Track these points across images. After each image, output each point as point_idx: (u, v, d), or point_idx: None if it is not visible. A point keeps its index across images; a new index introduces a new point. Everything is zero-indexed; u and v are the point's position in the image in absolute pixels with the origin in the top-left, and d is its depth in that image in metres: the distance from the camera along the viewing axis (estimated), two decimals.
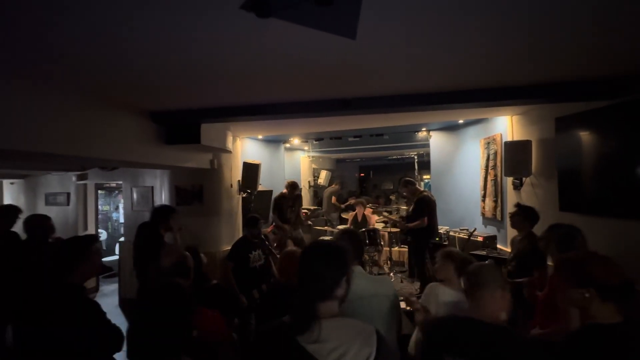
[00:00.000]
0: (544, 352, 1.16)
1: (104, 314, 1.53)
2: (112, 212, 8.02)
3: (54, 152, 2.40)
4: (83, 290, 1.54)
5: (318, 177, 8.63)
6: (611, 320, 1.22)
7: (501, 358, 1.12)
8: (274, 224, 5.07)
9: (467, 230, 4.56)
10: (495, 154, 4.50)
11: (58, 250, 1.62)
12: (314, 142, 6.76)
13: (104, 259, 6.86)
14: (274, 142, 6.57)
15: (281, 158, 6.89)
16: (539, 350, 1.16)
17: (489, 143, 4.69)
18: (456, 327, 1.24)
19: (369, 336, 1.01)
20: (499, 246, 4.34)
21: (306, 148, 7.59)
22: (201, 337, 1.36)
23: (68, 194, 5.74)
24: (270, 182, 6.24)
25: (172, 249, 1.58)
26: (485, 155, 4.76)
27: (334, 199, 7.86)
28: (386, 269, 5.32)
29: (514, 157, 3.80)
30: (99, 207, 6.82)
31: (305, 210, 6.49)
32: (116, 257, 6.28)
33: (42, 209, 5.72)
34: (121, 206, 6.81)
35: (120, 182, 5.55)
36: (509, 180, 4.19)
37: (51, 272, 1.54)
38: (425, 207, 4.38)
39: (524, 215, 2.79)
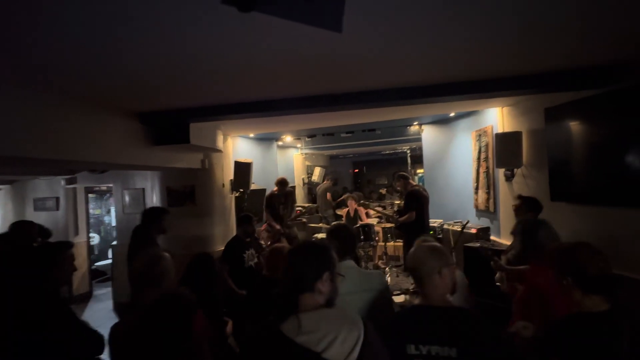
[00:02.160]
0: (494, 328, 1.21)
1: (77, 319, 1.51)
2: (104, 216, 7.93)
3: (39, 156, 2.34)
4: (56, 297, 1.52)
5: (312, 174, 8.61)
6: (597, 309, 1.23)
7: (453, 337, 1.17)
8: (267, 222, 5.10)
9: (461, 222, 4.59)
10: (487, 146, 4.52)
11: (31, 258, 1.60)
12: (307, 139, 6.73)
13: (97, 263, 6.79)
14: (266, 140, 6.52)
15: (274, 156, 6.85)
16: (488, 326, 1.19)
17: (480, 135, 4.71)
18: (410, 317, 1.29)
19: (355, 321, 1.05)
20: (492, 237, 4.38)
21: (299, 145, 7.55)
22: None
23: (57, 199, 5.64)
24: (264, 180, 6.20)
25: (148, 251, 1.55)
26: (477, 147, 4.78)
27: (328, 195, 7.85)
28: (381, 265, 5.33)
29: (505, 149, 3.82)
30: (91, 210, 6.72)
31: (300, 208, 6.48)
32: (109, 261, 6.21)
33: (31, 215, 5.61)
34: (113, 209, 6.72)
35: (111, 185, 5.47)
36: (500, 172, 4.21)
37: (25, 279, 1.51)
38: (413, 201, 4.38)
39: (527, 206, 2.82)
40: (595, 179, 2.82)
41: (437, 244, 1.43)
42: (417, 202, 4.38)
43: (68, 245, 1.69)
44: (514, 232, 2.11)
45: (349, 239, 1.73)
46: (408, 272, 1.40)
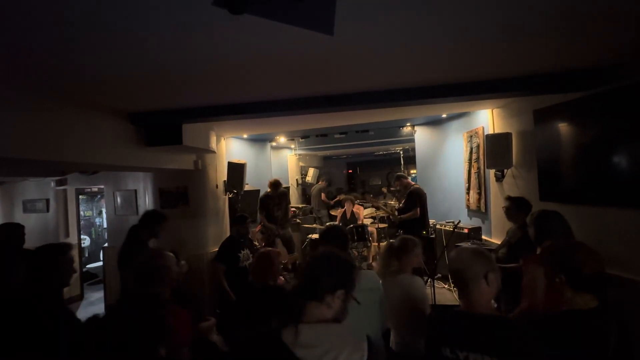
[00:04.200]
0: (537, 338, 1.17)
1: (78, 321, 1.49)
2: (95, 218, 7.83)
3: (27, 157, 2.31)
4: (57, 299, 1.50)
5: (306, 175, 8.62)
6: (586, 307, 1.26)
7: (494, 345, 1.14)
8: (261, 223, 5.11)
9: (453, 222, 4.64)
10: (478, 146, 4.58)
11: (29, 260, 1.57)
12: (300, 140, 6.74)
13: (88, 266, 6.70)
14: (259, 141, 6.51)
15: (268, 157, 6.84)
16: (531, 336, 1.16)
17: (471, 136, 4.77)
18: (450, 320, 1.26)
19: (360, 341, 1.01)
20: (483, 237, 4.43)
21: (292, 146, 7.56)
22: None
23: (47, 200, 5.55)
24: (258, 181, 6.19)
25: (153, 251, 1.56)
26: (469, 148, 4.84)
27: (323, 195, 7.88)
28: (375, 265, 5.35)
29: (495, 150, 3.88)
30: (81, 212, 6.62)
31: (294, 209, 6.48)
32: (100, 264, 6.13)
33: (20, 217, 5.52)
34: (104, 211, 6.64)
35: (102, 187, 5.40)
36: (491, 173, 4.27)
37: (26, 282, 1.49)
38: (417, 198, 4.48)
39: (516, 206, 2.86)
40: (582, 179, 2.88)
41: (480, 247, 1.36)
42: (420, 200, 4.47)
43: (68, 248, 1.67)
44: (529, 223, 2.11)
45: (341, 240, 1.74)
46: (451, 275, 1.34)
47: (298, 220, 6.48)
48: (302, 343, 0.95)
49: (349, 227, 5.12)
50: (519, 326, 1.19)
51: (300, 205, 7.38)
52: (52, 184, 5.45)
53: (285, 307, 1.03)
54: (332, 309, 1.03)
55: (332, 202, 7.74)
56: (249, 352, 1.04)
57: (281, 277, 2.32)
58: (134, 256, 2.10)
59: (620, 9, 1.65)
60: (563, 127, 3.05)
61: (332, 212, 7.28)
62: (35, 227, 5.27)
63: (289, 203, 5.33)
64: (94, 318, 1.10)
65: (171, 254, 1.72)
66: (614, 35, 1.99)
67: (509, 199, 3.00)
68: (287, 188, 6.82)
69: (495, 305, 1.34)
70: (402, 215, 4.57)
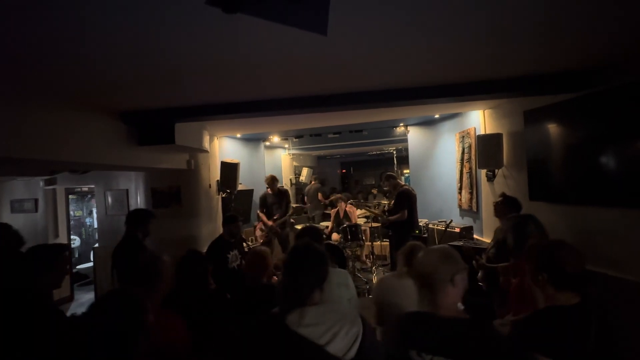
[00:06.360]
0: (504, 341, 1.18)
1: (70, 322, 1.48)
2: (86, 218, 7.71)
3: (16, 156, 2.27)
4: (49, 300, 1.48)
5: (300, 175, 8.62)
6: (568, 303, 1.29)
7: (462, 349, 1.14)
8: (261, 221, 5.19)
9: (445, 222, 4.69)
10: (470, 147, 4.64)
11: (24, 259, 1.55)
12: (294, 140, 6.74)
13: (78, 267, 6.60)
14: (253, 140, 6.49)
15: (261, 156, 6.83)
16: (498, 339, 1.16)
17: (463, 137, 4.83)
18: (417, 324, 1.25)
19: (355, 317, 1.14)
20: (475, 236, 4.49)
21: (286, 146, 7.55)
22: (156, 343, 1.31)
23: (36, 200, 5.45)
24: (251, 181, 6.17)
25: (147, 252, 1.55)
26: (461, 148, 4.90)
27: (320, 195, 7.89)
28: (368, 264, 5.39)
29: (487, 150, 3.93)
30: (71, 212, 6.52)
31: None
32: (91, 265, 6.04)
33: (8, 217, 5.41)
34: (95, 211, 6.55)
35: (93, 186, 5.33)
36: (482, 173, 4.33)
37: (18, 283, 1.47)
38: (405, 200, 4.48)
39: (507, 204, 2.89)
40: (571, 179, 2.93)
41: (447, 246, 1.34)
42: (408, 201, 4.48)
43: (64, 248, 1.65)
44: (504, 228, 2.15)
45: (318, 238, 1.99)
46: (415, 279, 1.32)
47: (292, 220, 6.48)
48: (306, 323, 1.07)
49: (342, 226, 5.14)
50: (482, 328, 1.19)
51: (294, 205, 7.38)
52: (41, 183, 5.35)
53: (292, 294, 1.16)
54: (320, 292, 1.21)
55: (327, 202, 7.76)
56: (254, 336, 1.15)
57: (274, 277, 2.32)
58: (133, 255, 2.09)
59: (606, 12, 1.69)
60: (552, 128, 3.11)
61: (327, 212, 7.31)
62: (23, 227, 5.12)
63: (290, 202, 5.34)
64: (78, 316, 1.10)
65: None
66: (602, 38, 2.04)
67: (503, 195, 3.03)
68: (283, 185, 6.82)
69: (462, 308, 1.32)
70: (389, 217, 4.59)
